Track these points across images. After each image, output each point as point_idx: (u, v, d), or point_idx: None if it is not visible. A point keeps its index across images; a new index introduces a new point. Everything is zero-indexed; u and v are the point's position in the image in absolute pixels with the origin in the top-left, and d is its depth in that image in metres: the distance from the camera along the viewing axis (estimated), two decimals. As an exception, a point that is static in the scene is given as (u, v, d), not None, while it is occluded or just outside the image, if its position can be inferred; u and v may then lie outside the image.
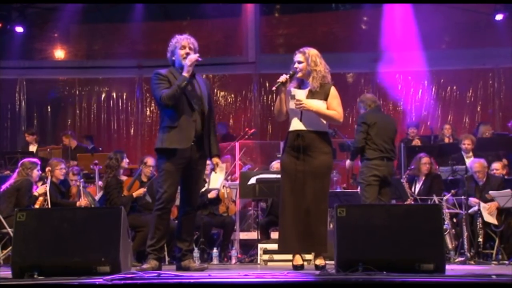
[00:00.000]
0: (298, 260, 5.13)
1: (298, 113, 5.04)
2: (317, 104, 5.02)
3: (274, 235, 7.98)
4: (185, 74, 4.97)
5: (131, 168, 8.73)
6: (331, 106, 5.08)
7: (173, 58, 5.20)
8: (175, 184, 5.04)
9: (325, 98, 5.06)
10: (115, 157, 7.55)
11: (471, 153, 8.60)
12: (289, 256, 6.75)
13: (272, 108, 13.16)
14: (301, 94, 5.05)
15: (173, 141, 4.94)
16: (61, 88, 13.71)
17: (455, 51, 12.60)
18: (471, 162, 7.76)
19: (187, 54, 5.06)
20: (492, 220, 7.27)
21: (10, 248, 5.54)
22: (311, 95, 5.07)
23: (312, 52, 5.15)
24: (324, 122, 5.10)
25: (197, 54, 5.05)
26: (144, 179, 7.78)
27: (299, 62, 5.13)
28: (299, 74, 5.12)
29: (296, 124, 5.05)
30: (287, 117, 5.20)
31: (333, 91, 5.12)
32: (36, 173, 7.28)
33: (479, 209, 7.38)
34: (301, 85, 5.19)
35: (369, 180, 6.31)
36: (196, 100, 5.06)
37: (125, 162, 7.70)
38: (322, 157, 5.03)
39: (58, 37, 13.73)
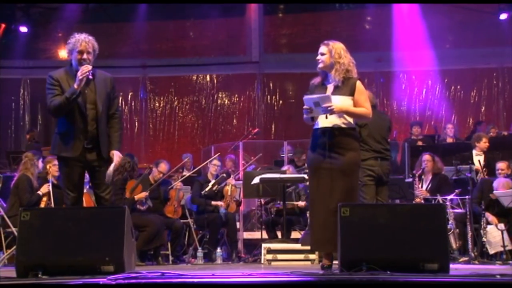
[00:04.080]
0: (326, 260, 4.93)
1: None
2: (346, 104, 4.79)
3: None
4: (75, 86, 4.84)
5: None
6: (359, 102, 4.85)
7: (71, 58, 5.04)
8: (76, 187, 4.96)
9: (351, 93, 4.83)
10: (133, 162, 7.56)
11: (481, 152, 8.60)
12: (293, 256, 6.81)
13: (275, 108, 13.19)
14: (327, 94, 4.77)
15: (63, 149, 4.90)
16: (65, 87, 13.73)
17: (459, 51, 12.58)
18: (497, 182, 7.51)
19: (84, 60, 4.90)
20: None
21: (14, 247, 5.55)
22: (336, 90, 4.84)
23: (337, 45, 4.92)
24: (350, 118, 4.87)
25: (90, 67, 4.87)
26: (152, 181, 7.78)
27: (322, 54, 4.89)
28: (321, 65, 4.90)
29: (322, 121, 4.82)
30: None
31: (359, 85, 4.88)
32: (40, 164, 7.31)
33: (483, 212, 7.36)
34: (324, 79, 4.95)
35: (364, 181, 6.24)
36: (89, 105, 4.92)
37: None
38: (350, 154, 4.82)
39: (62, 36, 13.75)
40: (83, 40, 4.96)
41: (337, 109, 4.71)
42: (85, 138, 4.87)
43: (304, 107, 4.78)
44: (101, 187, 4.98)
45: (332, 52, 4.86)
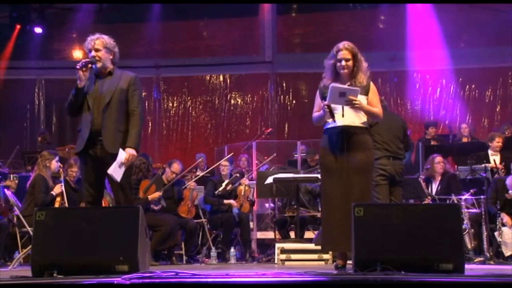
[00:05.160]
0: (340, 260, 4.91)
1: (340, 108, 4.76)
2: (365, 103, 4.78)
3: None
4: (78, 82, 4.92)
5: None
6: (372, 102, 4.84)
7: None
8: (92, 184, 4.97)
9: (366, 93, 4.81)
10: (148, 162, 7.59)
11: (497, 152, 8.52)
12: (307, 256, 6.79)
13: (288, 108, 13.17)
14: (357, 89, 4.71)
15: (77, 146, 5.02)
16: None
17: (474, 50, 12.47)
18: (510, 180, 7.39)
19: (93, 57, 4.97)
20: None
21: (30, 247, 5.59)
22: None
23: (354, 46, 4.86)
24: (365, 117, 4.85)
25: (88, 59, 4.94)
26: (165, 181, 7.81)
27: (347, 60, 4.80)
28: (346, 71, 4.82)
29: (339, 120, 4.76)
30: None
31: (373, 86, 4.89)
32: (55, 164, 7.34)
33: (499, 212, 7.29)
34: (335, 80, 4.87)
35: (376, 180, 6.19)
36: (96, 100, 4.95)
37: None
38: (366, 153, 4.82)
39: (76, 37, 13.83)
40: (90, 39, 5.04)
41: (359, 106, 4.70)
42: (89, 132, 4.89)
43: (325, 102, 4.70)
44: (112, 187, 4.99)
45: (357, 56, 4.83)
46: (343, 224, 4.54)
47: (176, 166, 7.87)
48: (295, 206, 7.71)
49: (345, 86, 4.71)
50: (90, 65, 4.93)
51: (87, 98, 4.94)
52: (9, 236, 7.33)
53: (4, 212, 7.25)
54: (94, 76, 5.02)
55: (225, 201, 8.17)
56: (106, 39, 5.06)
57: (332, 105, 4.71)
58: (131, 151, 4.89)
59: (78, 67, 4.88)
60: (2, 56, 13.20)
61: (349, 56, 4.81)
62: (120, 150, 4.84)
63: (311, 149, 9.82)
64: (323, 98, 4.85)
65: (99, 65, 4.98)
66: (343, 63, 4.80)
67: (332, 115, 4.74)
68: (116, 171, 4.83)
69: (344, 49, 4.82)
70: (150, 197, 7.49)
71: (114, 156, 4.85)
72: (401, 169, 6.51)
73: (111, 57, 5.06)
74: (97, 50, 4.99)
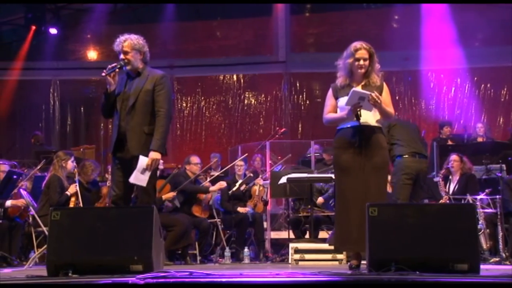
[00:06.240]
0: (354, 260, 4.92)
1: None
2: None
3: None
4: (107, 87, 4.99)
5: (163, 168, 8.77)
6: (386, 102, 4.83)
7: None
8: (118, 184, 5.01)
9: (380, 93, 4.79)
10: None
11: None
12: (321, 256, 6.77)
13: (302, 108, 13.15)
14: (376, 93, 4.70)
15: (109, 147, 5.13)
16: (94, 88, 13.90)
17: (489, 49, 12.38)
18: None
19: (122, 60, 5.00)
20: None
21: (45, 246, 5.63)
22: (365, 88, 4.82)
23: (371, 46, 4.84)
24: (379, 117, 4.84)
25: (114, 64, 4.98)
26: (191, 175, 7.83)
27: (365, 60, 4.81)
28: (363, 71, 4.82)
29: (355, 119, 4.75)
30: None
31: (385, 86, 4.90)
32: (70, 164, 7.39)
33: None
34: (349, 80, 4.88)
35: (402, 179, 6.17)
36: (124, 102, 4.98)
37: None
38: (382, 152, 4.84)
39: (90, 38, 13.93)
40: (119, 41, 5.09)
41: (380, 103, 4.69)
42: (117, 134, 4.98)
43: (347, 101, 4.70)
44: (137, 189, 5.02)
45: (373, 56, 4.85)
46: (360, 223, 4.51)
47: (194, 158, 7.95)
48: (309, 206, 7.69)
49: (366, 92, 4.72)
50: (117, 70, 4.98)
51: (116, 100, 5.01)
52: (25, 235, 7.40)
53: (23, 215, 7.30)
54: (125, 76, 5.08)
55: (239, 209, 8.13)
56: (134, 40, 5.09)
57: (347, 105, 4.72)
58: (153, 155, 4.87)
59: (103, 74, 4.94)
60: (18, 57, 13.33)
61: (367, 56, 4.82)
62: (141, 156, 4.84)
63: (329, 147, 9.77)
64: (337, 98, 4.87)
65: (128, 67, 5.02)
66: (361, 62, 4.81)
67: (358, 117, 4.74)
68: (138, 178, 4.84)
69: (362, 49, 4.82)
70: (164, 197, 7.51)
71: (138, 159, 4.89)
72: (426, 168, 6.48)
73: (141, 57, 5.10)
74: (125, 53, 5.02)
